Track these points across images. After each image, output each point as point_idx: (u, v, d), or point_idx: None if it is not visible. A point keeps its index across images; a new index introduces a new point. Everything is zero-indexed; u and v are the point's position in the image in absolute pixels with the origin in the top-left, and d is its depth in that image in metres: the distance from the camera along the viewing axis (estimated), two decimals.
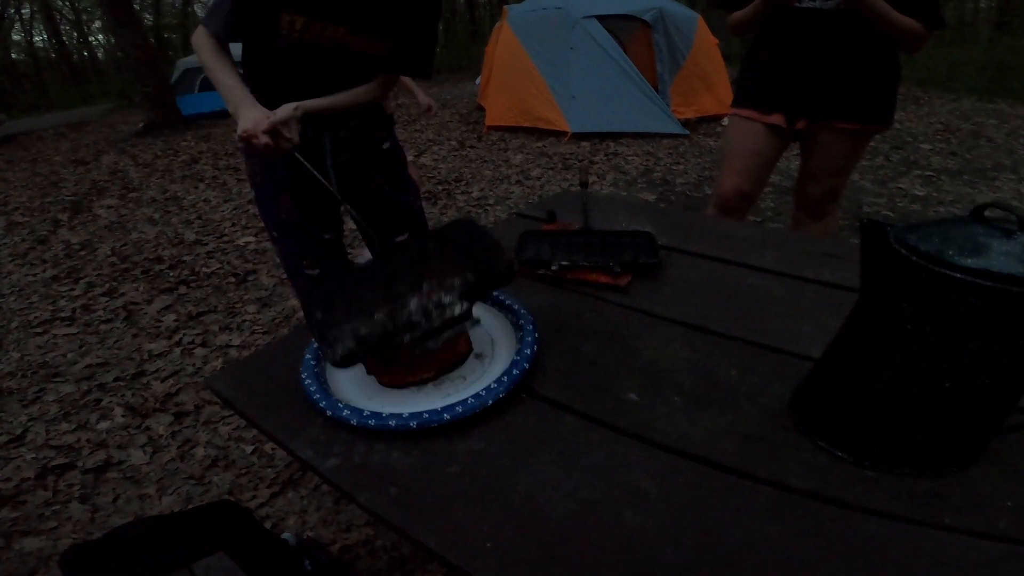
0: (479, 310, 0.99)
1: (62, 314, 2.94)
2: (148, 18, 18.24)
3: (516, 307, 0.94)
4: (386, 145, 1.58)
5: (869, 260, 0.66)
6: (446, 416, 0.73)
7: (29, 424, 2.10)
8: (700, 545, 0.58)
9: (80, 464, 1.87)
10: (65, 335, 2.74)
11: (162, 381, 2.32)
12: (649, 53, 5.59)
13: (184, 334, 2.63)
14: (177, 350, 2.52)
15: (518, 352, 0.84)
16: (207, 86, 8.95)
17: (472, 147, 5.66)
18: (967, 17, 15.53)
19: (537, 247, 1.20)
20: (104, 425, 2.07)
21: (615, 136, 5.48)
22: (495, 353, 0.88)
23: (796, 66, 1.87)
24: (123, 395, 2.23)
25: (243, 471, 1.82)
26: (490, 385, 0.77)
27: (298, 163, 1.21)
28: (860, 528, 0.59)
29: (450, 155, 5.44)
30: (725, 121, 6.02)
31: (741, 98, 2.08)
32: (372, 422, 0.73)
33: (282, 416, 0.81)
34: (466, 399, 0.75)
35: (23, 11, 22.78)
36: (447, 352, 0.85)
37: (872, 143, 2.00)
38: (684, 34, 5.68)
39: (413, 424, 0.72)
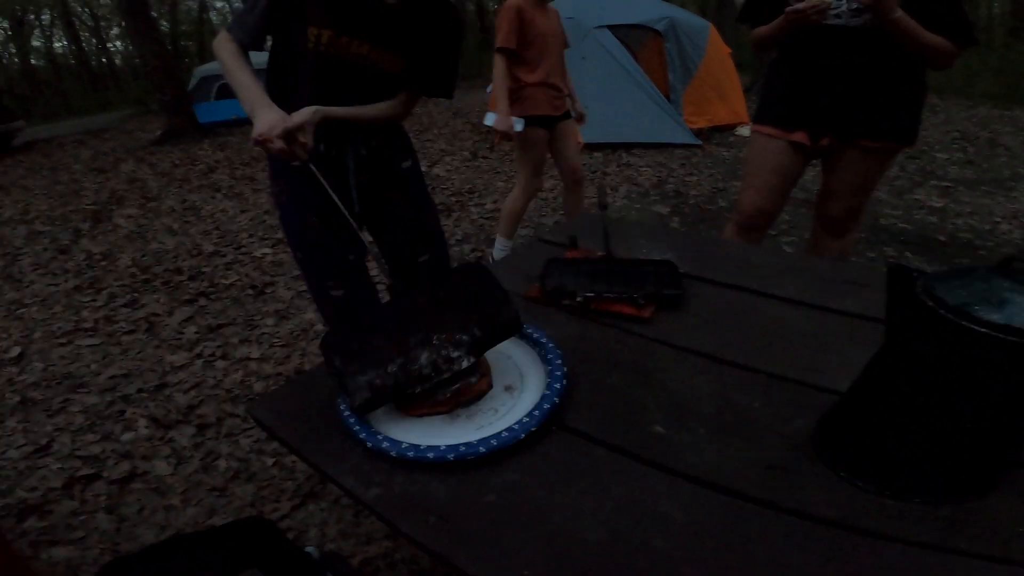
0: (508, 345, 1.01)
1: (85, 325, 3.00)
2: (165, 25, 18.41)
3: (544, 340, 0.97)
4: (406, 164, 1.60)
5: (895, 304, 0.69)
6: (482, 449, 0.76)
7: (55, 434, 2.14)
8: (725, 569, 0.61)
9: (105, 475, 1.91)
10: (88, 346, 2.80)
11: (184, 393, 2.36)
12: (661, 63, 5.61)
13: (205, 346, 2.68)
14: (199, 362, 2.57)
15: (548, 386, 0.86)
16: (224, 94, 9.05)
17: (485, 158, 5.71)
18: (981, 23, 15.43)
19: (561, 276, 1.23)
20: (128, 436, 2.11)
21: (627, 146, 5.51)
22: (524, 385, 0.91)
23: (821, 83, 1.87)
24: (146, 406, 2.27)
25: (264, 483, 1.85)
26: (523, 419, 0.80)
27: (312, 176, 1.22)
28: (882, 555, 0.61)
29: (463, 166, 5.49)
30: (738, 131, 6.03)
31: (763, 115, 2.08)
32: (411, 454, 0.76)
33: (323, 444, 0.84)
34: (500, 432, 0.78)
35: (43, 17, 23.11)
36: (466, 392, 0.88)
37: None
38: (696, 43, 5.69)
39: (450, 456, 0.75)
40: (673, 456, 0.76)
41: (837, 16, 1.76)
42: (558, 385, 0.86)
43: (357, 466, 0.79)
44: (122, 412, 2.26)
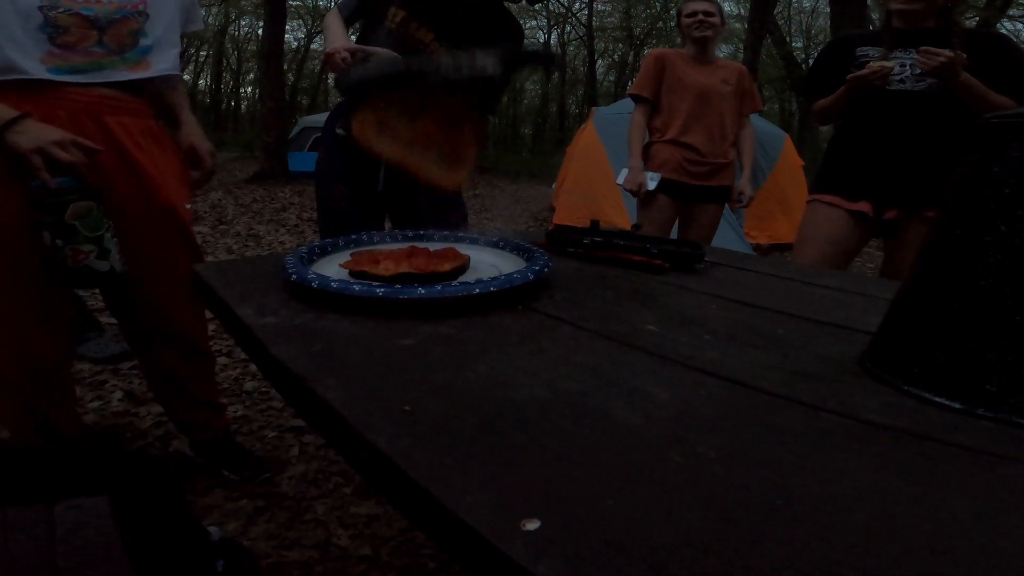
0: (489, 255, 0.87)
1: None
2: (290, 77, 20.12)
3: (533, 248, 0.82)
4: None
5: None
6: (421, 291, 0.59)
7: None
8: (731, 458, 0.39)
9: None
10: (105, 322, 2.78)
11: None
12: None
13: (215, 342, 2.61)
14: None
15: (526, 267, 0.70)
16: (317, 147, 9.64)
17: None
18: None
19: (568, 232, 1.09)
20: (95, 404, 1.99)
21: None
22: None
23: (886, 150, 1.75)
24: (131, 381, 2.17)
25: (211, 473, 1.65)
26: (482, 279, 0.64)
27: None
28: (1001, 473, 0.38)
29: None
30: None
31: (823, 183, 1.93)
32: (334, 285, 0.61)
33: (240, 288, 0.70)
34: (451, 283, 0.62)
35: (201, 52, 24.86)
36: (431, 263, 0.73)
37: None
38: (768, 153, 5.54)
39: (379, 292, 0.59)
40: (665, 347, 0.57)
41: (901, 81, 1.70)
42: (537, 268, 0.69)
43: (266, 303, 0.64)
44: (104, 383, 2.16)
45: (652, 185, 2.30)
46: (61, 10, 1.13)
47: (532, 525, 0.30)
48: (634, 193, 2.35)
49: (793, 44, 19.65)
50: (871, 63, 1.70)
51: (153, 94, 1.38)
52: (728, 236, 5.40)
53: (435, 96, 0.72)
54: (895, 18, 1.73)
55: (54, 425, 1.33)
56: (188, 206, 1.36)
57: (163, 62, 1.28)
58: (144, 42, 1.25)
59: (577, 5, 21.82)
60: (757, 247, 5.48)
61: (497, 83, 0.73)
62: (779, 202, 5.58)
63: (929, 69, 1.58)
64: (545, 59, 0.78)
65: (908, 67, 1.68)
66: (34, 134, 1.06)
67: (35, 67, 1.11)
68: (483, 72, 0.71)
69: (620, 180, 2.38)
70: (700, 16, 2.30)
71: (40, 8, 1.12)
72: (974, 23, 9.19)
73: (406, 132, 0.73)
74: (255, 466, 1.61)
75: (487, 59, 0.72)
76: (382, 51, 1.26)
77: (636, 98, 2.41)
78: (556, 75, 24.27)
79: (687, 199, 2.40)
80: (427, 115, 0.74)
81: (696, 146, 2.34)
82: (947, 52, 1.54)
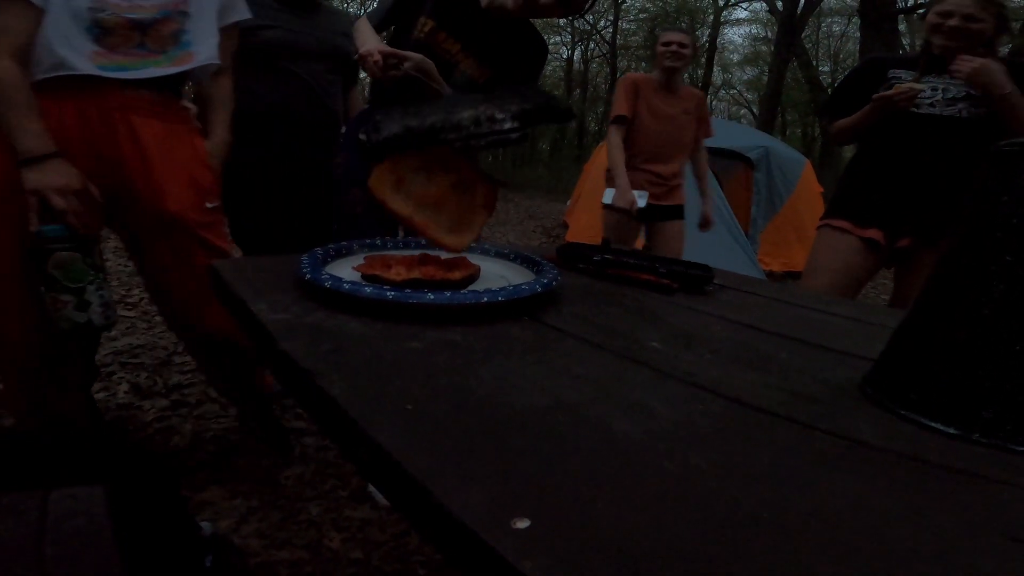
0: (499, 267, 0.89)
1: (129, 299, 3.07)
2: None
3: (542, 261, 0.83)
4: None
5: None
6: (430, 296, 0.61)
7: None
8: (721, 471, 0.39)
9: None
10: (120, 315, 2.82)
11: (181, 373, 2.29)
12: (746, 193, 5.48)
13: None
14: None
15: (534, 280, 0.72)
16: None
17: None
18: None
19: (579, 248, 1.10)
20: (101, 396, 2.01)
21: None
22: None
23: (905, 176, 1.70)
24: (138, 374, 2.20)
25: (208, 468, 1.65)
26: (490, 289, 0.65)
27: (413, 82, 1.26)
28: (991, 496, 0.39)
29: None
30: None
31: (837, 208, 1.90)
32: (346, 286, 0.62)
33: (256, 284, 0.71)
34: (458, 291, 0.63)
35: None
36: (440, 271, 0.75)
37: None
38: (788, 177, 5.47)
39: (389, 295, 0.61)
40: (667, 364, 0.58)
41: (931, 105, 1.65)
42: (546, 281, 0.71)
43: (280, 300, 0.65)
44: (111, 374, 2.19)
45: (642, 203, 2.44)
46: (108, 13, 1.17)
47: (523, 524, 0.31)
48: (626, 211, 2.48)
49: (820, 68, 19.49)
50: (900, 83, 1.66)
51: (197, 90, 1.42)
52: (740, 262, 5.35)
53: (453, 156, 0.77)
54: (933, 47, 1.68)
55: (57, 411, 1.33)
56: (209, 205, 1.36)
57: (204, 51, 1.31)
58: (186, 38, 1.29)
59: (603, 23, 22.03)
60: (770, 274, 5.42)
61: (514, 141, 0.78)
62: (795, 229, 5.49)
63: (964, 75, 1.53)
64: (566, 115, 0.84)
65: (940, 91, 1.64)
66: (42, 176, 1.07)
67: (85, 64, 1.14)
68: (501, 127, 0.75)
69: (607, 200, 2.49)
70: (675, 47, 2.43)
71: (89, 9, 1.16)
72: (1007, 50, 9.10)
73: (420, 191, 0.77)
74: (279, 443, 1.69)
75: (507, 115, 0.76)
76: (414, 55, 1.27)
77: (619, 119, 2.51)
78: (577, 92, 24.49)
79: (650, 217, 2.57)
80: (442, 176, 0.77)
81: (659, 171, 2.51)
82: (982, 59, 1.50)
